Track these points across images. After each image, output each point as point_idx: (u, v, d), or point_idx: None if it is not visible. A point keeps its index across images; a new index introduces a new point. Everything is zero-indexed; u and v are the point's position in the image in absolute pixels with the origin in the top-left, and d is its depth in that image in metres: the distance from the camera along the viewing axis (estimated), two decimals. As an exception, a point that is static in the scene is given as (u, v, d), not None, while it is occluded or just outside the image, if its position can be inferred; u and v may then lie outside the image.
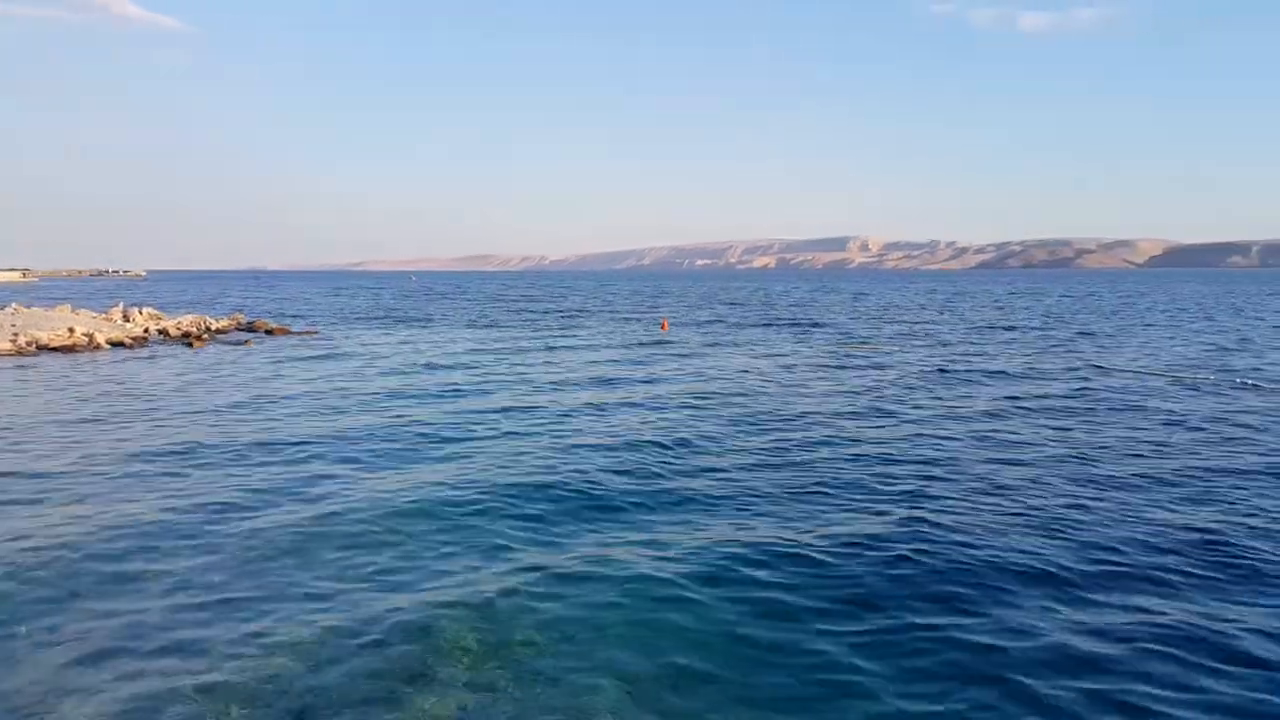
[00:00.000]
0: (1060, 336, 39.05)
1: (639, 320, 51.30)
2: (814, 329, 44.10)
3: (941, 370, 25.66)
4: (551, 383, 23.48)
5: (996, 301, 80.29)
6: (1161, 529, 10.47)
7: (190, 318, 40.26)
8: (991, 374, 25.02)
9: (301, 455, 14.42)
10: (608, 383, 23.58)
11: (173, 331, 37.17)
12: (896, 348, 33.91)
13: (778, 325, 47.17)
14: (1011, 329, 44.25)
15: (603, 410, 19.16)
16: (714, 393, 21.33)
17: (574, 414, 18.43)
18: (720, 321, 51.02)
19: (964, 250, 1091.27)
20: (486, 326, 46.66)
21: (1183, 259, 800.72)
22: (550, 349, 33.70)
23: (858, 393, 21.31)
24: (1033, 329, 44.37)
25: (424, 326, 46.68)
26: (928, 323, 49.72)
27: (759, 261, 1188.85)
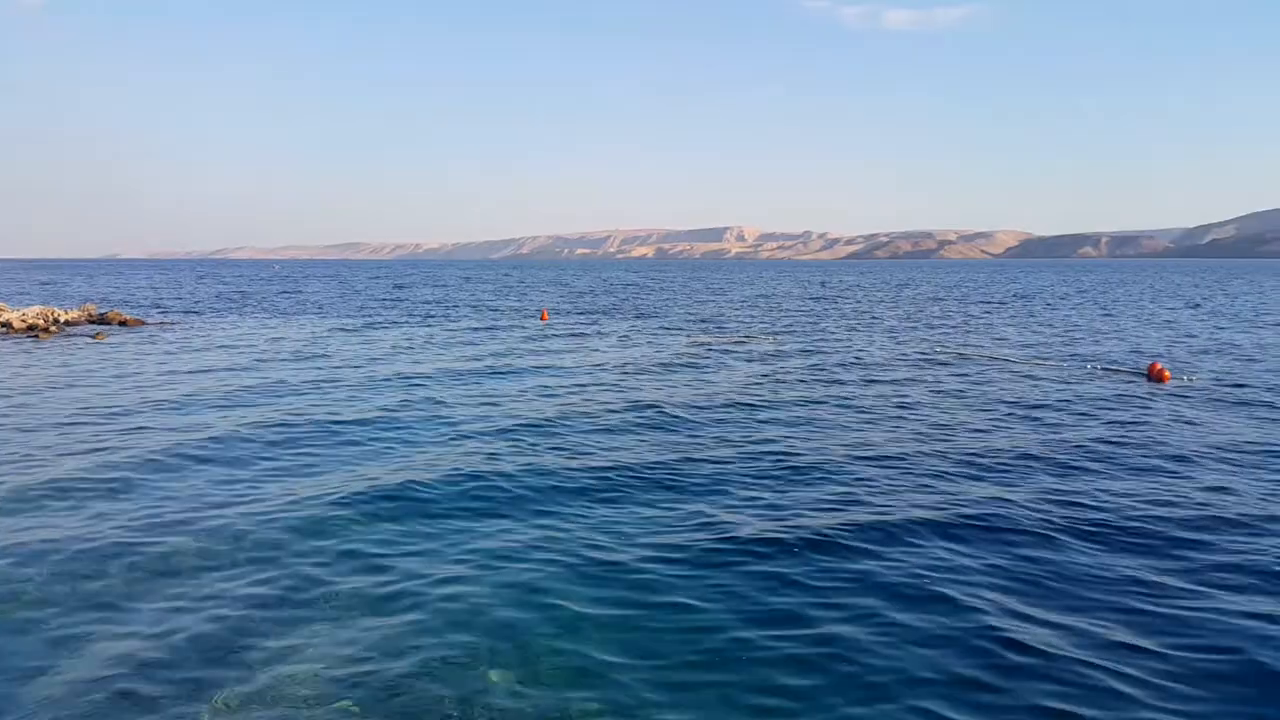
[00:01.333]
0: (921, 322, 40.52)
1: (518, 311, 50.74)
2: (688, 318, 44.45)
3: (800, 355, 26.14)
4: (407, 374, 22.25)
5: (883, 288, 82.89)
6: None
7: (36, 309, 37.57)
8: (848, 362, 25.54)
9: (164, 459, 13.54)
10: (481, 372, 22.96)
11: (16, 324, 34.59)
12: (770, 338, 34.47)
13: (651, 315, 47.39)
14: (878, 318, 45.74)
15: (474, 401, 18.75)
16: (588, 384, 21.10)
17: (443, 405, 17.93)
18: (602, 311, 50.96)
19: (835, 241, 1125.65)
20: (353, 316, 45.25)
21: (1037, 250, 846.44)
22: (411, 339, 32.78)
23: (719, 384, 21.24)
24: (895, 317, 45.96)
25: (285, 316, 44.99)
26: (798, 312, 50.90)
27: (638, 251, 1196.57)
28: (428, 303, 59.01)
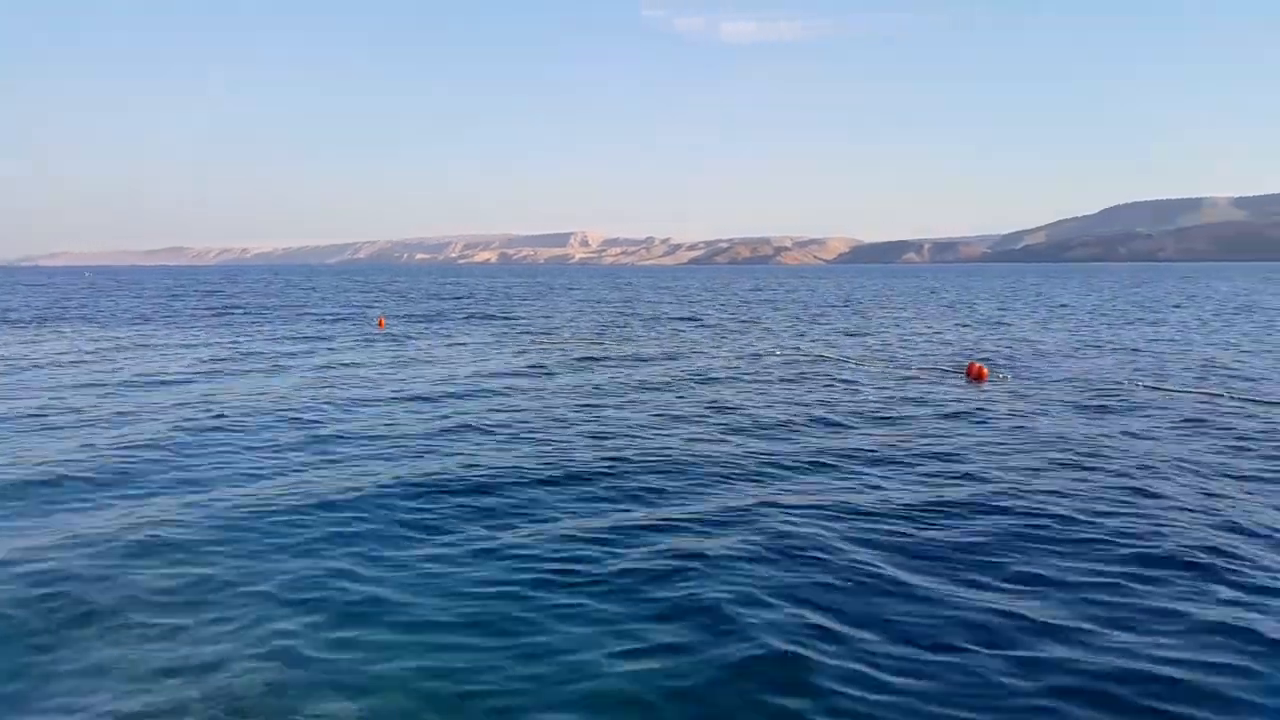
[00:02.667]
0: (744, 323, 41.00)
1: (350, 319, 48.12)
2: (523, 321, 43.36)
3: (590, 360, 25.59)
4: (205, 393, 20.39)
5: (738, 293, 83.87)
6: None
7: None
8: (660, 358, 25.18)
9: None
10: (312, 383, 21.07)
11: None
12: (597, 342, 33.75)
13: (489, 320, 46.01)
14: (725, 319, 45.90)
15: (312, 412, 17.07)
16: (429, 394, 19.73)
17: (268, 419, 16.12)
18: (440, 317, 49.05)
19: (678, 247, 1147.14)
20: (168, 326, 41.60)
21: (866, 255, 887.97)
22: (244, 350, 30.23)
23: (549, 395, 20.43)
24: (718, 320, 46.34)
25: (101, 327, 40.83)
26: (636, 316, 50.58)
27: (481, 256, 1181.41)
28: (242, 309, 55.24)
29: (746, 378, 23.11)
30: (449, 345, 32.44)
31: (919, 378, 22.86)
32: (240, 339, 34.50)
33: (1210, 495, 11.34)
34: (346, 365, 25.82)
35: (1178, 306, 57.99)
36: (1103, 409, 17.85)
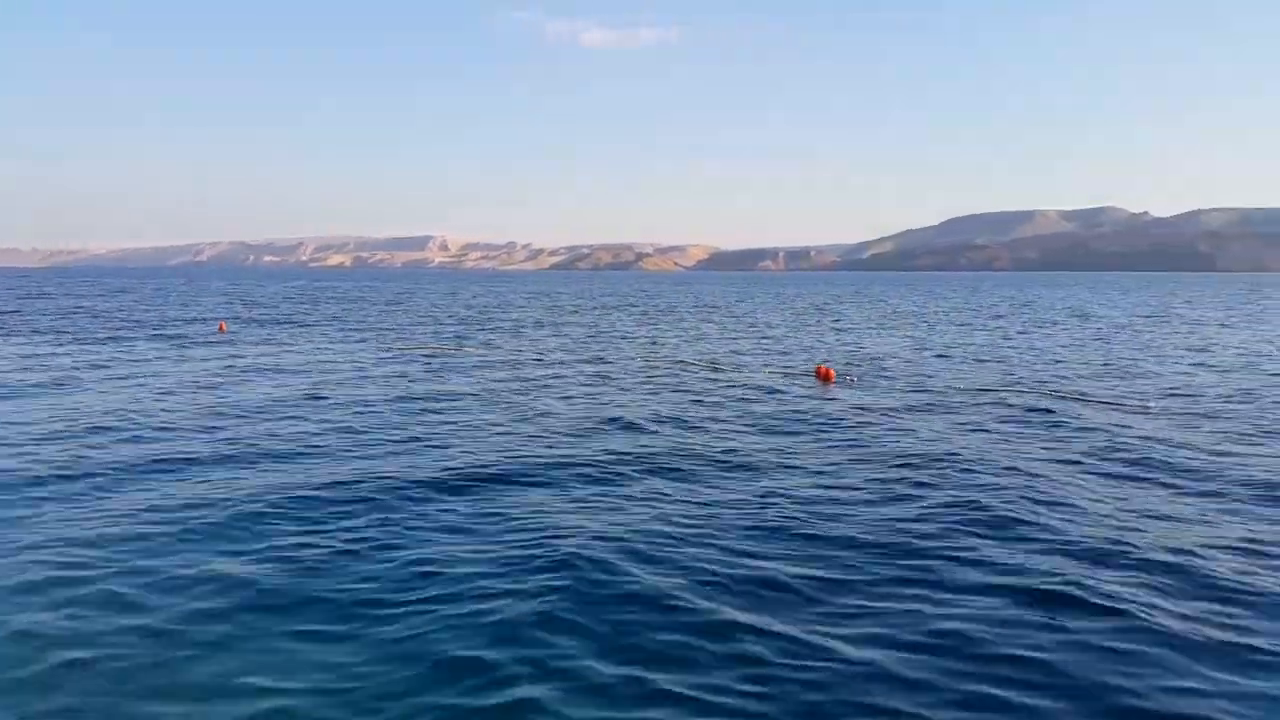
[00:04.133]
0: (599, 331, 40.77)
1: (197, 321, 45.15)
2: (378, 327, 41.73)
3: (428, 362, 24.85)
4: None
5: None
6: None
7: None
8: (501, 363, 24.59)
9: None
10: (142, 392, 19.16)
11: None
12: (476, 346, 32.68)
13: (337, 325, 44.06)
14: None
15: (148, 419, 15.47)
16: (273, 400, 18.35)
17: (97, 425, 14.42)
18: (288, 320, 46.65)
19: (540, 252, 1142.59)
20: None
21: (725, 263, 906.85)
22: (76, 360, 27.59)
23: (414, 396, 19.42)
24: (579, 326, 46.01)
25: None
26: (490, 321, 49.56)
27: (333, 259, 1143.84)
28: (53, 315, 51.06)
29: (600, 382, 22.66)
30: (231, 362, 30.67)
31: (773, 380, 23.09)
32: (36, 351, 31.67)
33: (1004, 475, 11.71)
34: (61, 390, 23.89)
35: (1000, 316, 61.05)
36: (932, 406, 18.48)
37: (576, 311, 61.74)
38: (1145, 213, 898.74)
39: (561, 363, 27.30)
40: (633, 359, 28.51)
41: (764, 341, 36.46)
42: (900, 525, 9.99)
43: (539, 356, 29.09)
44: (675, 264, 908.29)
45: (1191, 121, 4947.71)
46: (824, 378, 22.91)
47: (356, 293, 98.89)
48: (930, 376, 23.96)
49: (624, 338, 38.00)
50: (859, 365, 26.83)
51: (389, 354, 29.34)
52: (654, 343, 35.99)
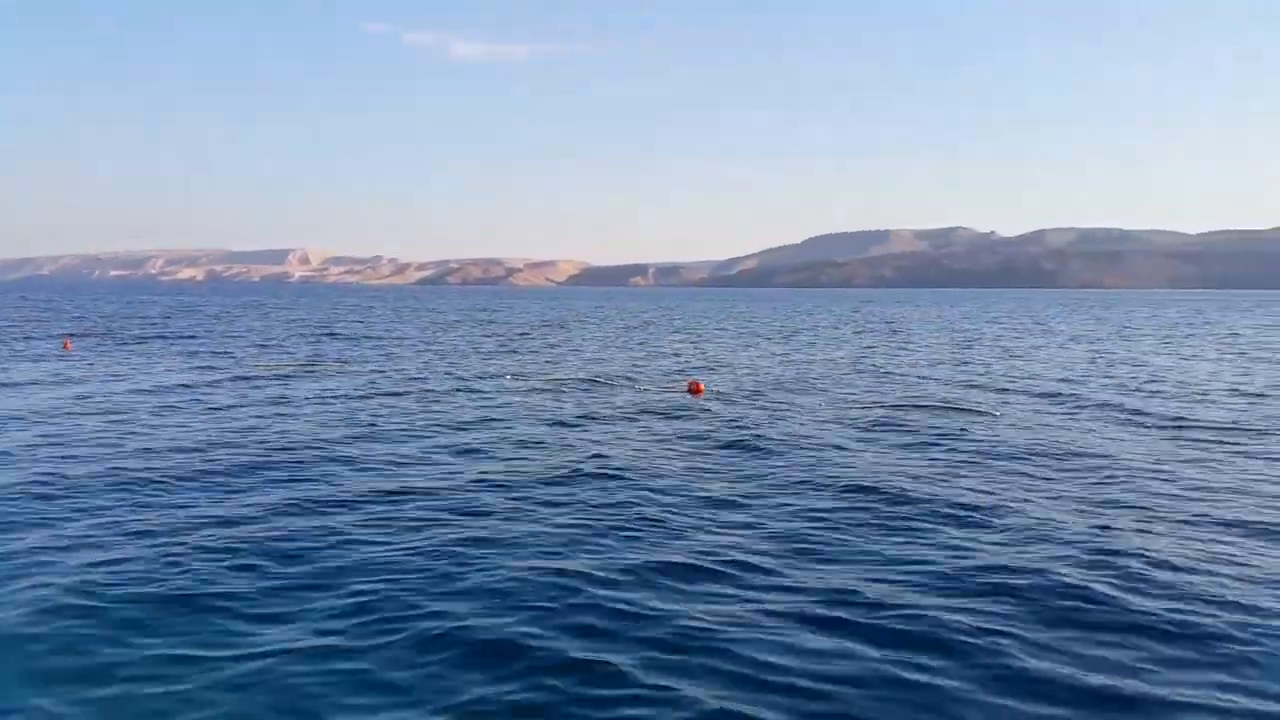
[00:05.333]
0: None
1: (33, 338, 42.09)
2: (226, 342, 39.86)
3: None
4: None
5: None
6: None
7: None
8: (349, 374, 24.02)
9: None
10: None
11: None
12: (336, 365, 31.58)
13: (185, 339, 41.91)
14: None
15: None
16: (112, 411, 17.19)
17: None
18: (140, 338, 44.09)
19: (406, 266, 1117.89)
20: None
21: (596, 278, 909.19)
22: None
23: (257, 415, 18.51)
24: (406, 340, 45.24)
25: None
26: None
27: (186, 273, 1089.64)
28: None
29: (461, 399, 22.32)
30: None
31: (649, 392, 23.55)
32: None
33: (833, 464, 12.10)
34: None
35: (861, 332, 63.42)
36: (792, 411, 19.30)
37: (442, 328, 60.64)
38: (993, 232, 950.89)
39: (421, 379, 26.76)
40: (500, 376, 28.21)
41: (633, 356, 36.63)
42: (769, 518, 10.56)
43: (412, 372, 28.38)
44: (547, 279, 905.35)
45: (1034, 146, 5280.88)
46: (694, 391, 23.26)
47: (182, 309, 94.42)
48: (788, 384, 25.02)
49: (490, 354, 37.53)
50: (726, 377, 27.40)
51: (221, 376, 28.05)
52: (514, 353, 35.69)
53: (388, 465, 13.85)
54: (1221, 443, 16.17)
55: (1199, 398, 22.97)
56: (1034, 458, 14.59)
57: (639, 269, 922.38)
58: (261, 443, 15.23)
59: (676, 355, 36.81)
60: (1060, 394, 23.46)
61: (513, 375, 27.63)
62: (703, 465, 13.99)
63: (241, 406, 19.85)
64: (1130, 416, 19.47)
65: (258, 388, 23.39)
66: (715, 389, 24.20)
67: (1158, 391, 24.31)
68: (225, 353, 35.12)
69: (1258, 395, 23.48)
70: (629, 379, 27.07)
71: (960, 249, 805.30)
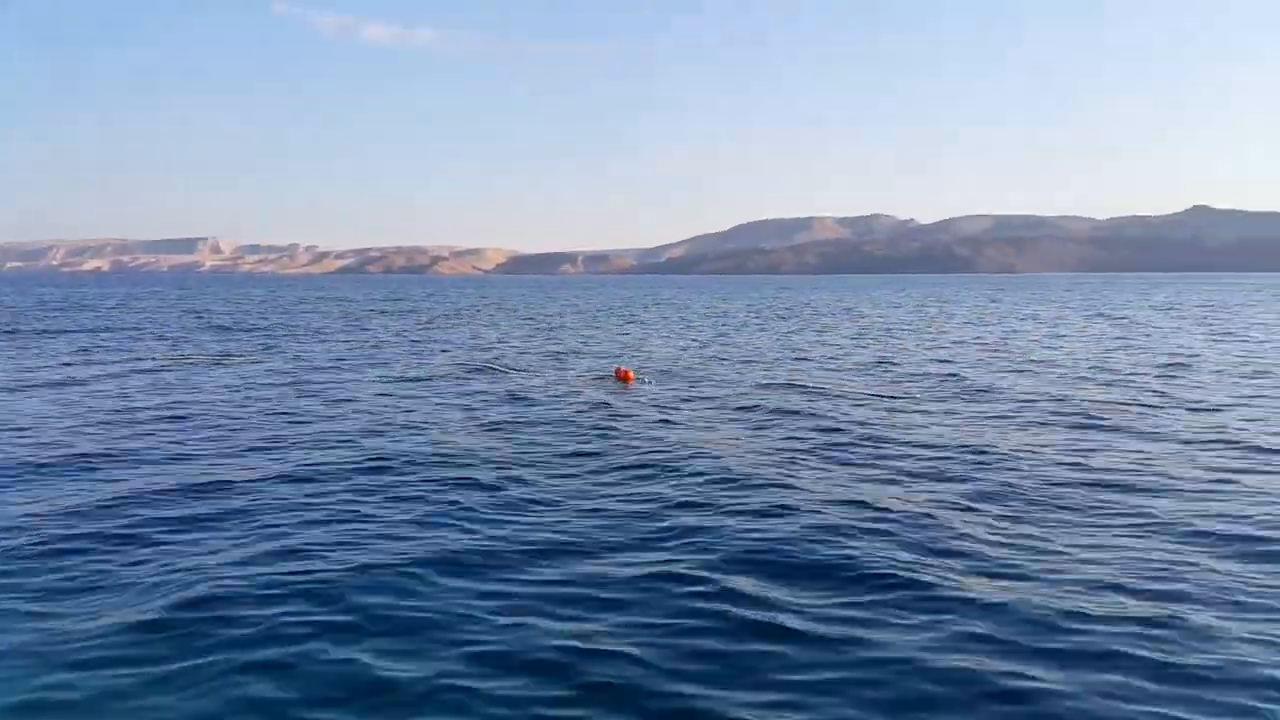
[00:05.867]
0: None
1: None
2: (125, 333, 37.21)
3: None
4: None
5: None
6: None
7: None
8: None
9: None
10: None
11: None
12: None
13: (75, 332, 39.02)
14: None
15: None
16: None
17: None
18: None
19: (325, 255, 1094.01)
20: None
21: (525, 266, 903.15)
22: None
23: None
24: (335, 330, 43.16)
25: None
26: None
27: (90, 264, 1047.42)
28: None
29: (390, 387, 21.17)
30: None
31: (577, 382, 22.88)
32: None
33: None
34: None
35: (781, 318, 63.04)
36: (710, 398, 18.67)
37: (356, 317, 58.07)
38: (912, 219, 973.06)
39: (341, 368, 25.31)
40: (428, 363, 26.89)
41: (572, 343, 35.39)
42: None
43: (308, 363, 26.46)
44: (474, 267, 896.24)
45: (949, 134, 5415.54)
46: (623, 378, 22.94)
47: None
48: (714, 374, 24.47)
49: (415, 342, 35.65)
50: (653, 365, 26.69)
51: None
52: (446, 348, 33.86)
53: (211, 458, 13.25)
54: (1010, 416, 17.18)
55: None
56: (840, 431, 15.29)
57: (568, 257, 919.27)
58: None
59: (594, 342, 35.60)
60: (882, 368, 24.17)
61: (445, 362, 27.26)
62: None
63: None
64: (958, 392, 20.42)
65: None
66: (646, 377, 23.36)
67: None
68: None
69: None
70: (555, 368, 26.17)
71: (881, 236, 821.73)
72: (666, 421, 16.39)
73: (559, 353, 31.44)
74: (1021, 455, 13.23)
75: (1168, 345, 33.08)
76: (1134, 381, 22.18)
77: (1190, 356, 28.37)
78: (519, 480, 11.72)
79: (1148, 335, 38.31)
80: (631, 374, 23.22)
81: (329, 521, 9.90)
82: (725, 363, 27.80)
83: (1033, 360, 27.91)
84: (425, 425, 15.98)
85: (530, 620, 7.20)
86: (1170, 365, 25.81)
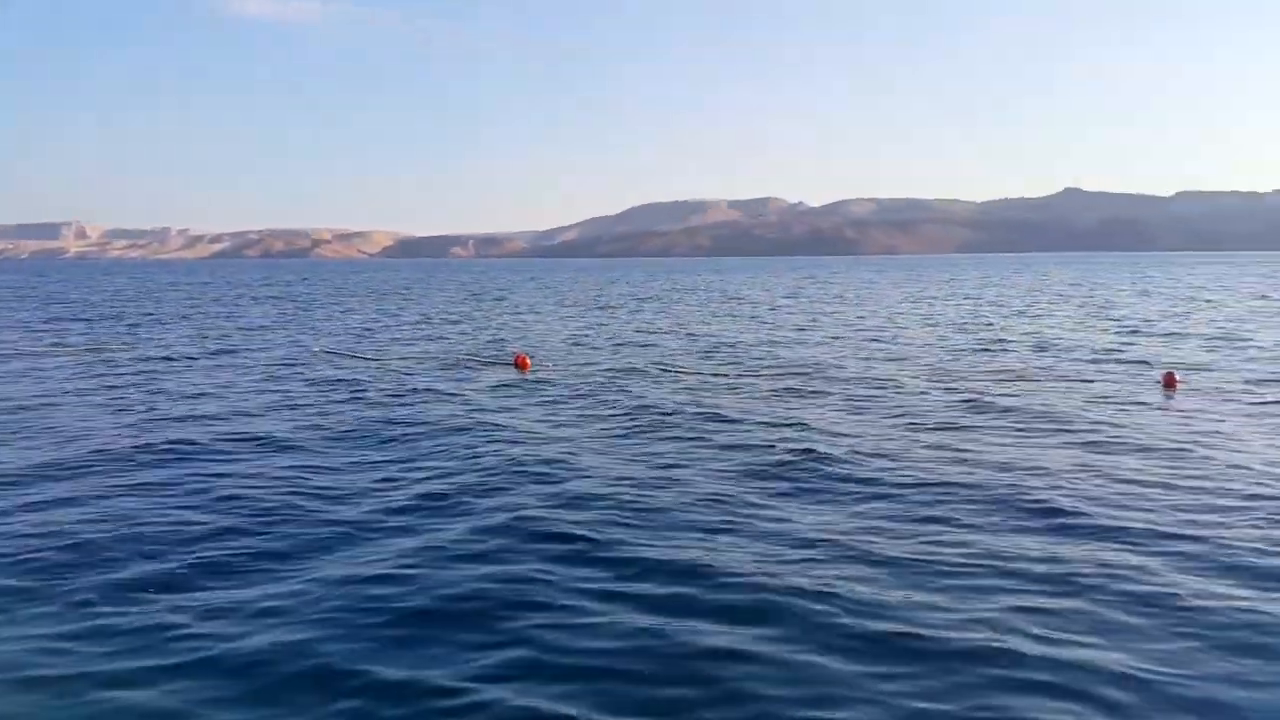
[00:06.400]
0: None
1: None
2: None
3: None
4: None
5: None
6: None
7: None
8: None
9: None
10: None
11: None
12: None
13: None
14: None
15: None
16: None
17: None
18: None
19: (200, 238, 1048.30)
20: None
21: (413, 250, 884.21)
22: None
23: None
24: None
25: None
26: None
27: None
28: None
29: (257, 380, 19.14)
30: None
31: (472, 369, 21.68)
32: None
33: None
34: None
35: (656, 298, 62.20)
36: (612, 383, 18.59)
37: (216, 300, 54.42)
38: (801, 203, 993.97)
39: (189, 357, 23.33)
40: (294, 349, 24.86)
41: (466, 329, 33.57)
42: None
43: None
44: (359, 251, 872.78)
45: (837, 118, 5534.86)
46: (520, 365, 21.71)
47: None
48: (610, 357, 23.89)
49: (267, 329, 33.06)
50: (549, 350, 25.66)
51: None
52: (316, 334, 31.45)
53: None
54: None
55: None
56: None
57: (458, 240, 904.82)
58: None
59: (482, 327, 33.91)
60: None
61: (321, 349, 25.63)
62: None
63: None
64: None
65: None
66: (546, 363, 22.28)
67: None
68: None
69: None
70: (455, 356, 24.51)
71: (772, 218, 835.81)
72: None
73: (441, 336, 29.82)
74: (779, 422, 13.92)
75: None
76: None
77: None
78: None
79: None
80: (529, 360, 21.92)
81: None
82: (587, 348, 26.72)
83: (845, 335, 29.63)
84: (229, 415, 14.87)
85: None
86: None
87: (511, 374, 20.39)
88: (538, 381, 18.92)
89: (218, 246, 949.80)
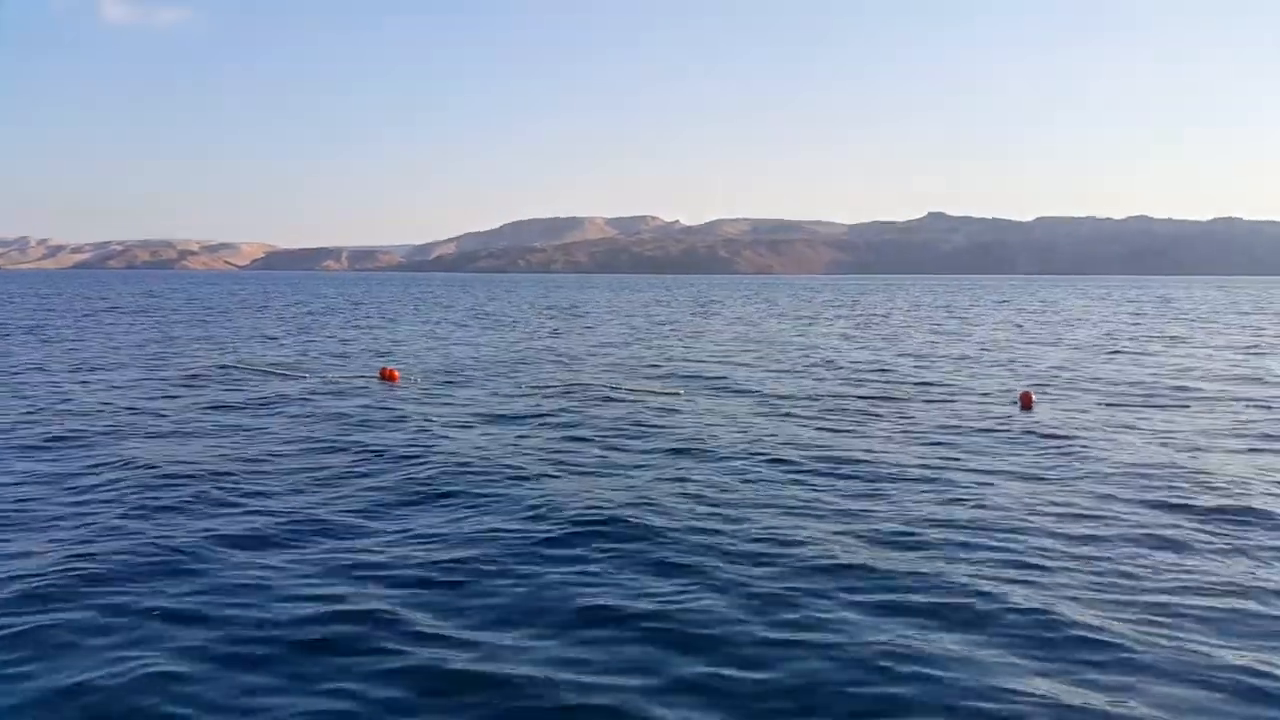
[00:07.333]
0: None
1: None
2: None
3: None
4: None
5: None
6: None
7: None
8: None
9: None
10: None
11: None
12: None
13: None
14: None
15: None
16: None
17: None
18: None
19: (60, 249, 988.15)
20: None
21: (284, 262, 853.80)
22: None
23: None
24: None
25: None
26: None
27: None
28: None
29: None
30: None
31: (337, 383, 22.54)
32: None
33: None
34: None
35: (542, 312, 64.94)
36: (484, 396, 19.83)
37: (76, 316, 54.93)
38: (677, 221, 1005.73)
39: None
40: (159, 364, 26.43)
41: (327, 344, 35.52)
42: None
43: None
44: (227, 263, 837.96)
45: (713, 137, 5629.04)
46: (388, 378, 22.80)
47: None
48: (487, 373, 25.21)
49: (142, 344, 34.82)
50: (422, 364, 27.14)
51: None
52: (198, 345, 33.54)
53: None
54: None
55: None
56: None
57: (331, 252, 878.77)
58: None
59: (348, 340, 36.26)
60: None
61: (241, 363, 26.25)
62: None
63: None
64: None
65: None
66: (413, 377, 23.79)
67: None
68: None
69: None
70: (318, 368, 25.94)
71: (649, 236, 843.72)
72: (403, 418, 17.18)
73: (318, 354, 31.12)
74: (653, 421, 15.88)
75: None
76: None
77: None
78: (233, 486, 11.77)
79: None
80: (397, 373, 23.11)
81: None
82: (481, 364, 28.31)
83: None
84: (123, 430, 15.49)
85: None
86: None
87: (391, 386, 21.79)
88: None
89: (79, 257, 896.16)
